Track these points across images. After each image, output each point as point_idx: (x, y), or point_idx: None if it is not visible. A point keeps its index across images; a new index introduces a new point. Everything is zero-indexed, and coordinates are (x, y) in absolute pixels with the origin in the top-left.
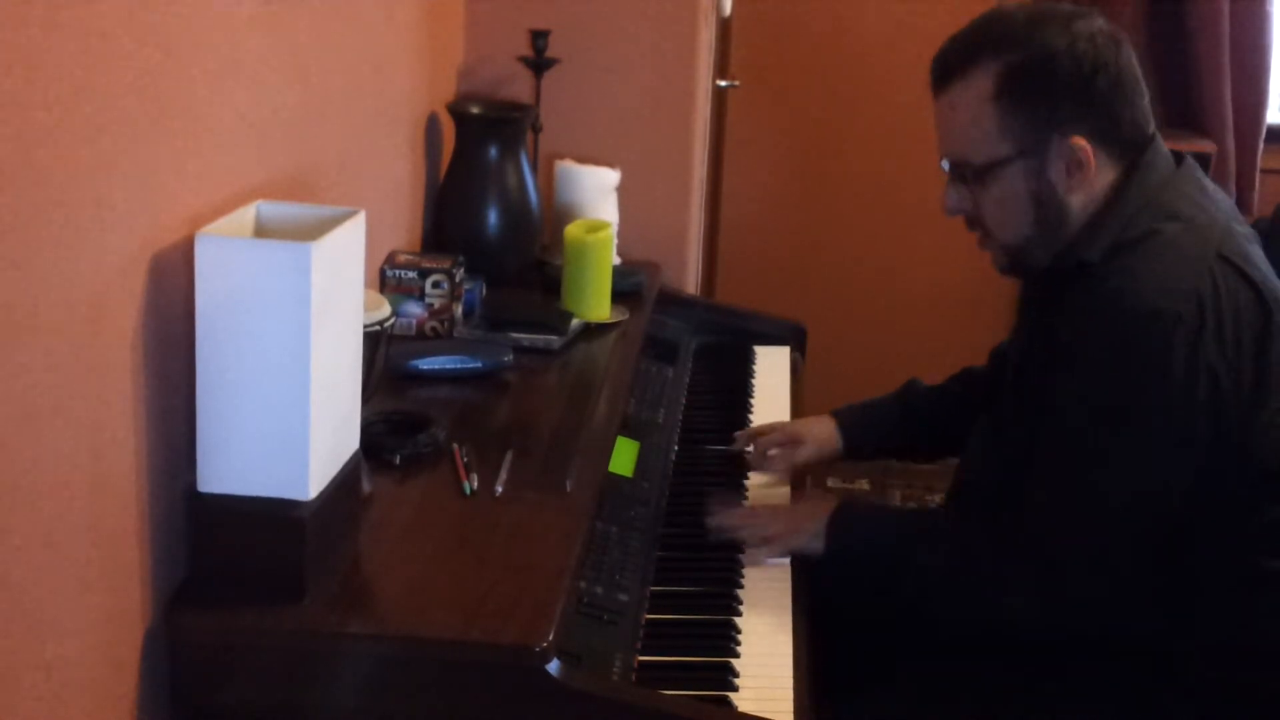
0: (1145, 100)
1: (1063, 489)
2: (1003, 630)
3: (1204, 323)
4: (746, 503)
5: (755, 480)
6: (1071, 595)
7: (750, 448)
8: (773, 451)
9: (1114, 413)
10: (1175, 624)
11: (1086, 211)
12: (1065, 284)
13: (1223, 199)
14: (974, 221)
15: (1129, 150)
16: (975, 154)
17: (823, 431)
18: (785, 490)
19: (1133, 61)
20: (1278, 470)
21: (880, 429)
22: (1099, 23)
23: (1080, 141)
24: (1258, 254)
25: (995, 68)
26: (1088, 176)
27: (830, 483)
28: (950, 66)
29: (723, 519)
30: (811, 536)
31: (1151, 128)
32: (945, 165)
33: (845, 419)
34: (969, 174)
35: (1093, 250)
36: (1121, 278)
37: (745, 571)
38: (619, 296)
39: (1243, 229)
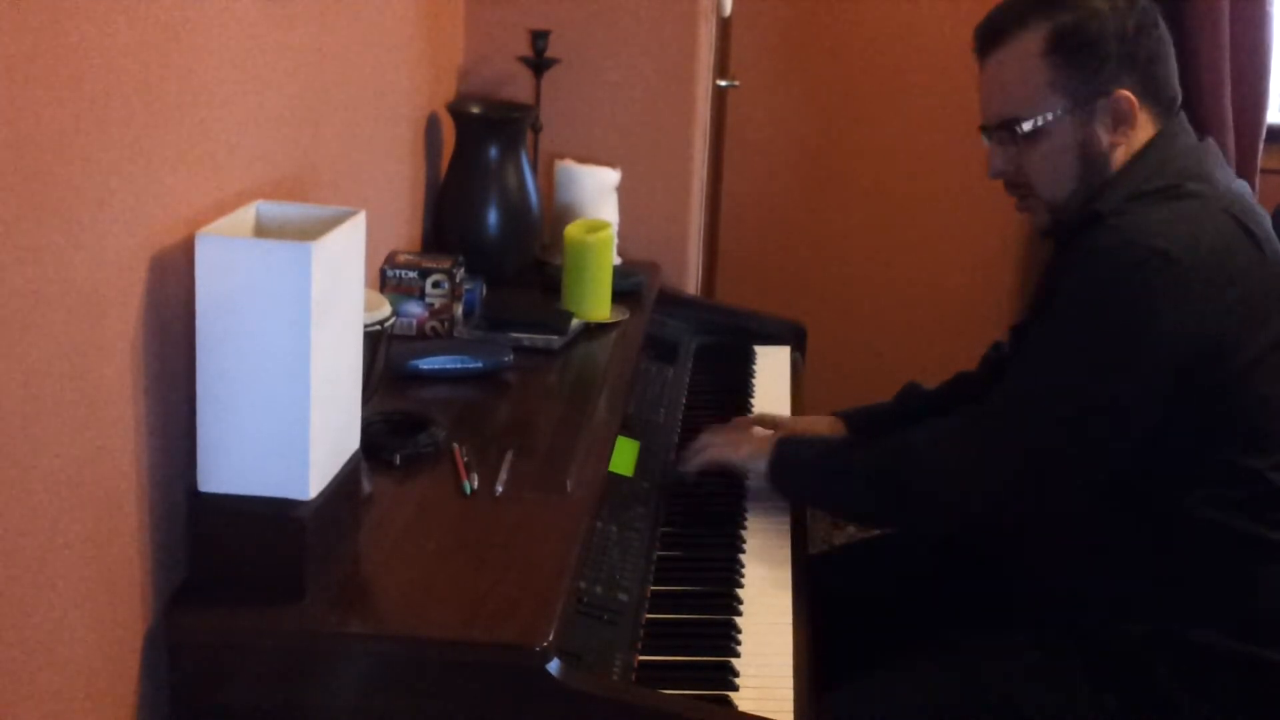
0: (1174, 61)
1: (1026, 386)
2: (925, 527)
3: (1195, 266)
4: (747, 502)
5: (755, 481)
6: (998, 482)
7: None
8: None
9: (1091, 330)
10: (1169, 592)
11: (1119, 167)
12: (1078, 233)
13: (1239, 179)
14: (1016, 184)
15: (1164, 110)
16: (1025, 110)
17: (825, 426)
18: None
19: (1162, 26)
20: (1269, 436)
21: (884, 428)
22: None
23: (1126, 93)
24: (1266, 219)
25: (1045, 27)
26: (1131, 129)
27: None
28: (998, 29)
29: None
30: (750, 455)
31: (1179, 90)
32: (985, 135)
33: (854, 424)
34: (1018, 131)
35: (1109, 203)
36: (1125, 220)
37: (745, 571)
38: (619, 296)
39: (1258, 206)
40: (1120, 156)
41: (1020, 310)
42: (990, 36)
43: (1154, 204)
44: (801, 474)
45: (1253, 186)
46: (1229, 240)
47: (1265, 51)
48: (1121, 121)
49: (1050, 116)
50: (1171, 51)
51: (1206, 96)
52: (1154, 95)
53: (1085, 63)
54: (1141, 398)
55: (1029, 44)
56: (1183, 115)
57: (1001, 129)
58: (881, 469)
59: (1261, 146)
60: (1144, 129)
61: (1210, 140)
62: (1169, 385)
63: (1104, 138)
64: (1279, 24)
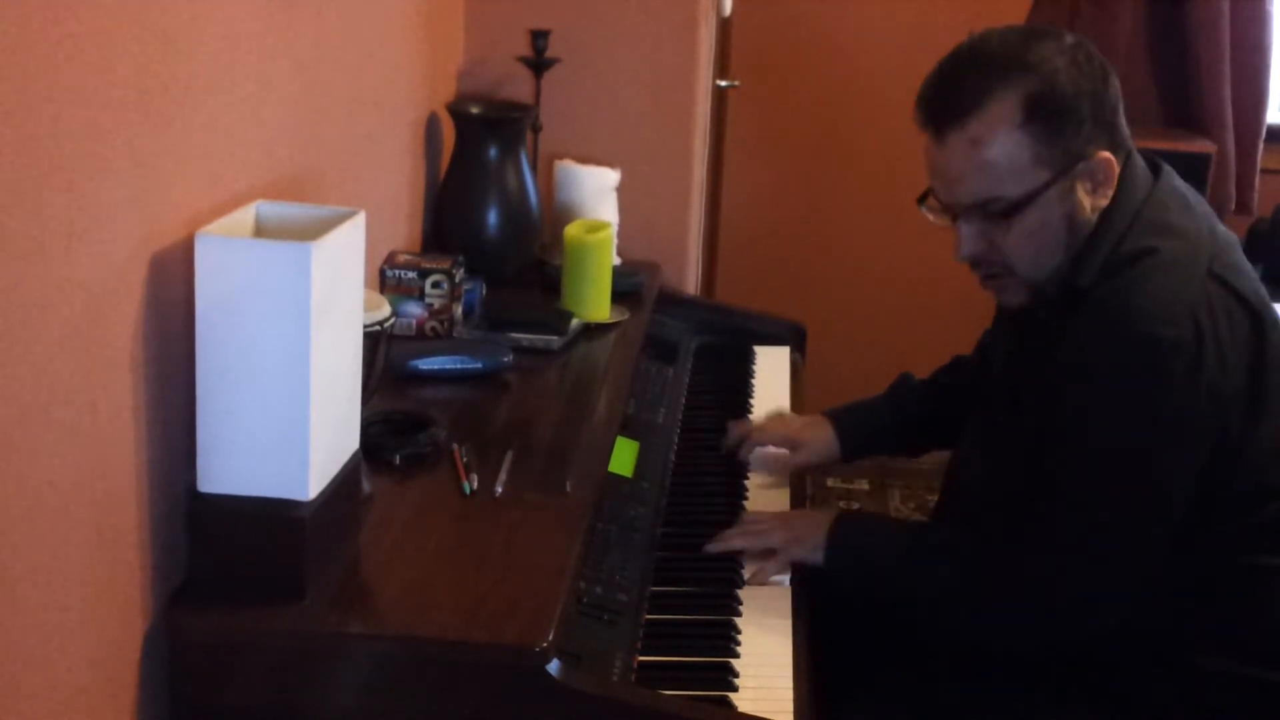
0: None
1: (1077, 512)
2: (1003, 646)
3: (1202, 345)
4: (746, 503)
5: (755, 481)
6: (1069, 621)
7: (746, 450)
8: (771, 450)
9: (1119, 437)
10: (1178, 621)
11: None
12: (1062, 310)
13: (1201, 206)
14: (989, 261)
15: (1126, 159)
16: (1011, 187)
17: (821, 436)
18: (785, 491)
19: (1112, 71)
20: (1271, 479)
21: (876, 430)
22: (1073, 36)
23: (1106, 155)
24: (1242, 260)
25: (1014, 95)
26: (1109, 187)
27: (830, 482)
28: (959, 102)
29: (724, 538)
30: (811, 549)
31: (1128, 137)
32: (944, 214)
33: (842, 423)
34: (1000, 210)
35: (1087, 275)
36: (1118, 300)
37: (745, 571)
38: (619, 296)
39: (1224, 234)
40: (1100, 211)
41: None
42: (950, 110)
43: (1136, 275)
44: (863, 574)
45: (1253, 186)
46: (1221, 312)
47: (1265, 51)
48: (1102, 183)
49: (1036, 190)
50: (1119, 97)
51: (1206, 96)
52: (1121, 147)
53: (1063, 128)
54: (1182, 488)
55: (1003, 114)
56: (1135, 153)
57: (977, 209)
58: (957, 596)
59: (1261, 146)
60: (1114, 184)
61: (1165, 169)
62: (1200, 461)
63: (1086, 203)
64: (1279, 24)
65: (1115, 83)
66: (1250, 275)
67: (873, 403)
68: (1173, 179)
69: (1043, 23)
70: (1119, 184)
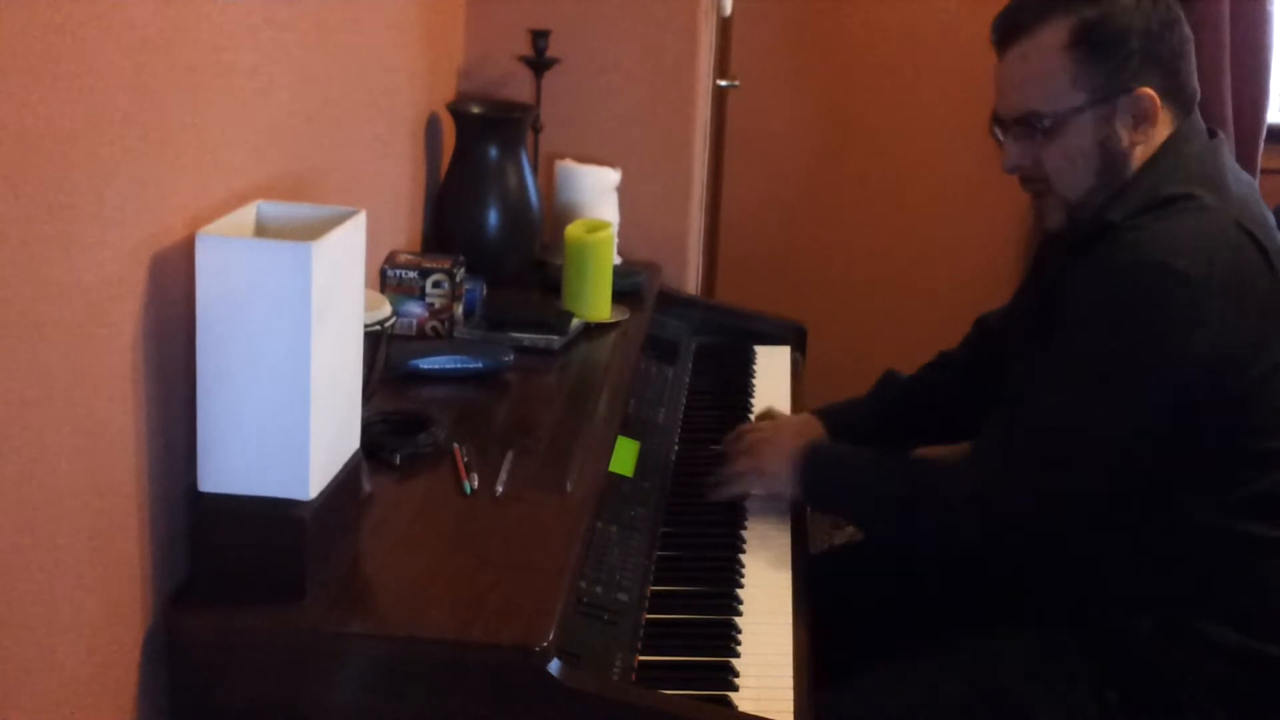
0: (1193, 58)
1: (1038, 416)
2: (944, 544)
3: (1210, 284)
4: (746, 502)
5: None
6: (1011, 516)
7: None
8: None
9: (1103, 357)
10: (1180, 588)
11: (1137, 164)
12: (1087, 243)
13: (1243, 173)
14: (1033, 179)
15: (1183, 109)
16: (1047, 103)
17: (809, 434)
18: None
19: (1184, 23)
20: (1271, 436)
21: (864, 428)
22: None
23: (1149, 92)
24: (1272, 223)
25: (1069, 21)
26: (1153, 128)
27: None
28: (1019, 21)
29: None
30: (781, 484)
31: (1197, 88)
32: (996, 128)
33: (830, 421)
34: (1038, 124)
35: (1120, 211)
36: (1137, 234)
37: (745, 571)
38: (619, 296)
39: (1262, 205)
40: (1139, 155)
41: (1015, 297)
42: (1010, 28)
43: (1166, 216)
44: (829, 492)
45: None
46: (1242, 257)
47: (1265, 51)
48: (1143, 120)
49: (1071, 111)
50: (1192, 49)
51: (1206, 96)
52: (1175, 94)
53: (1108, 58)
54: (1157, 423)
55: (1052, 37)
56: (1196, 113)
57: (1020, 123)
58: (902, 499)
59: (1261, 146)
60: (1163, 128)
61: (1221, 138)
62: (1182, 404)
63: (1124, 136)
64: (1279, 24)
65: (1183, 33)
66: (1275, 232)
67: (858, 402)
68: (1224, 144)
69: None
70: (1174, 135)
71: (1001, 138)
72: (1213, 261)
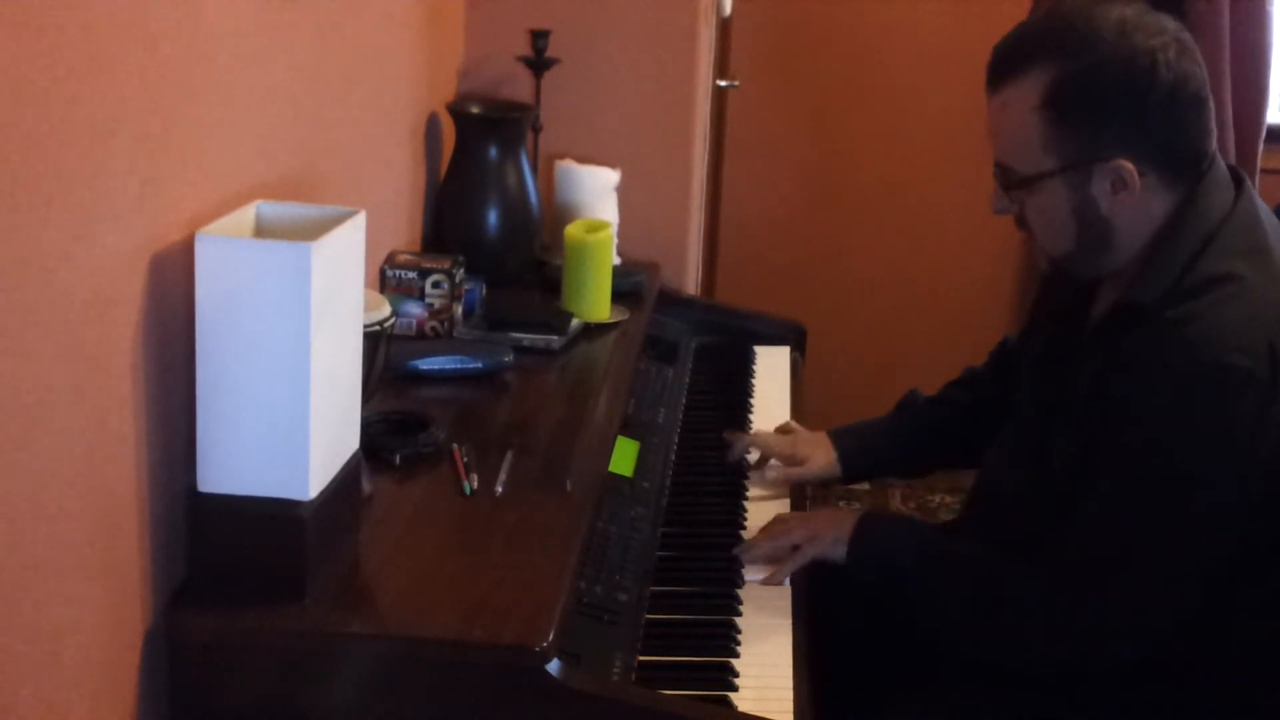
0: (1206, 116)
1: (1112, 538)
2: (1014, 666)
3: (1277, 379)
4: (746, 502)
5: (755, 491)
6: (1093, 639)
7: (749, 455)
8: (772, 464)
9: (1173, 472)
10: (1200, 653)
11: (1140, 238)
12: (1123, 324)
13: (1272, 216)
14: (1019, 224)
15: (1185, 171)
16: (1019, 162)
17: (822, 457)
18: (785, 502)
19: (1197, 73)
20: None
21: (881, 452)
22: (1165, 30)
23: (1125, 163)
24: None
25: (1046, 76)
26: (1133, 199)
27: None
28: (1005, 66)
29: (751, 544)
30: (833, 544)
31: (1212, 145)
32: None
33: (844, 446)
34: (1014, 181)
35: (1150, 292)
36: (1191, 323)
37: (745, 572)
38: (619, 296)
39: None
40: (1126, 223)
41: (1023, 320)
42: (996, 72)
43: (1212, 301)
44: (885, 573)
45: (1253, 186)
46: None
47: (1265, 51)
48: (1121, 189)
49: (1041, 175)
50: (1200, 102)
51: None
52: (1168, 159)
53: (1081, 124)
54: (1229, 529)
55: (1028, 92)
56: (1217, 163)
57: (1000, 171)
58: (973, 609)
59: (1261, 146)
60: (1159, 196)
61: (1247, 185)
62: (1250, 504)
63: (1102, 203)
64: (1279, 24)
65: (1189, 92)
66: None
67: (877, 425)
68: (1253, 196)
69: (1147, 7)
70: (1194, 197)
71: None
72: (1275, 349)
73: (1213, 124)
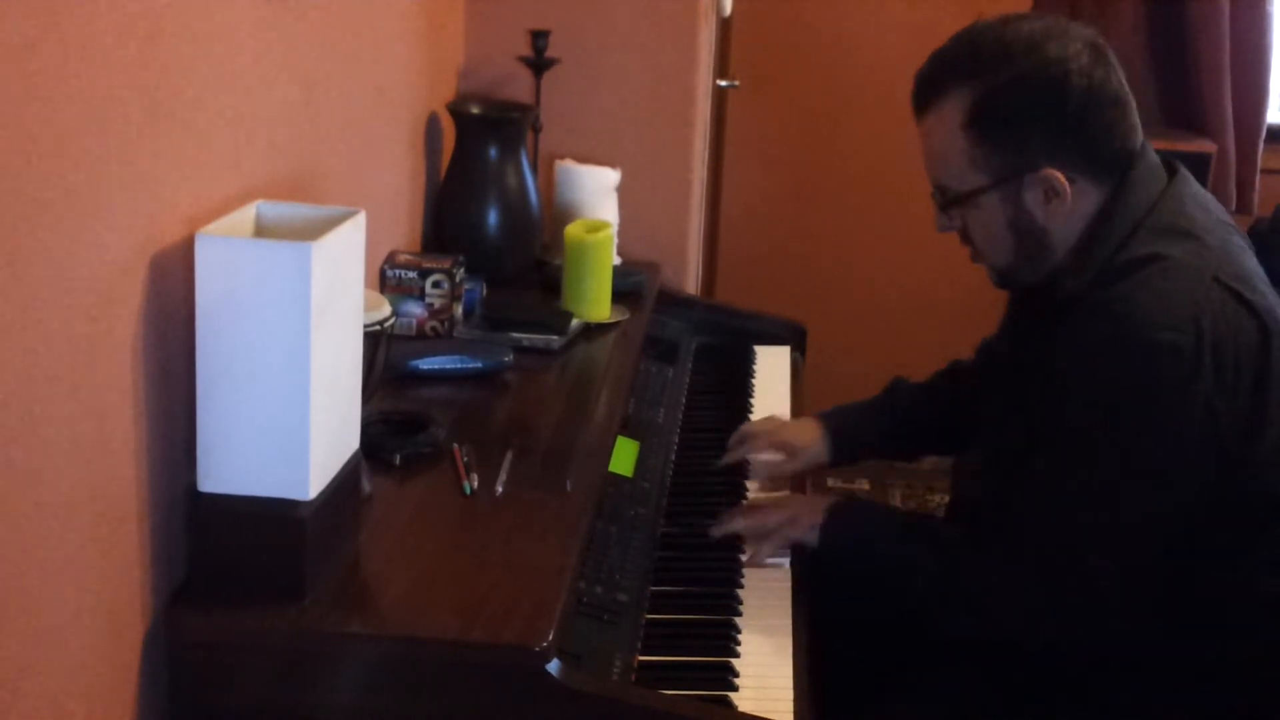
0: (1128, 114)
1: (1058, 515)
2: (983, 643)
3: (1201, 354)
4: (746, 503)
5: (754, 491)
6: (1063, 614)
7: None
8: (764, 457)
9: (1108, 447)
10: (1178, 641)
11: (1073, 237)
12: (1059, 311)
13: (1216, 210)
14: (963, 241)
15: (1112, 170)
16: (953, 181)
17: (810, 439)
18: (784, 492)
19: (1113, 76)
20: (1275, 500)
21: (867, 433)
22: (1075, 38)
23: (1053, 172)
24: (1254, 268)
25: (966, 96)
26: (1065, 205)
27: (830, 482)
28: (925, 92)
29: (724, 522)
30: (808, 529)
31: (1137, 141)
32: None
33: (832, 426)
34: (950, 199)
35: (1080, 278)
36: (1117, 307)
37: (745, 571)
38: (619, 296)
39: (1238, 240)
40: (1060, 228)
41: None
42: (918, 99)
43: (1138, 280)
44: (858, 555)
45: (1253, 186)
46: (1226, 315)
47: (1265, 51)
48: (1054, 197)
49: (975, 191)
50: (1121, 101)
51: (1206, 96)
52: (1091, 162)
53: (1005, 139)
54: (1172, 499)
55: (951, 113)
56: (1147, 153)
57: (937, 192)
58: (939, 585)
59: (1261, 146)
60: (1088, 197)
61: (1181, 172)
62: (1193, 473)
63: (1037, 213)
64: (1279, 24)
65: (1100, 96)
66: (1262, 284)
67: (863, 406)
68: (1186, 183)
69: (1057, 19)
70: (1121, 191)
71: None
72: (1200, 329)
73: (1136, 120)
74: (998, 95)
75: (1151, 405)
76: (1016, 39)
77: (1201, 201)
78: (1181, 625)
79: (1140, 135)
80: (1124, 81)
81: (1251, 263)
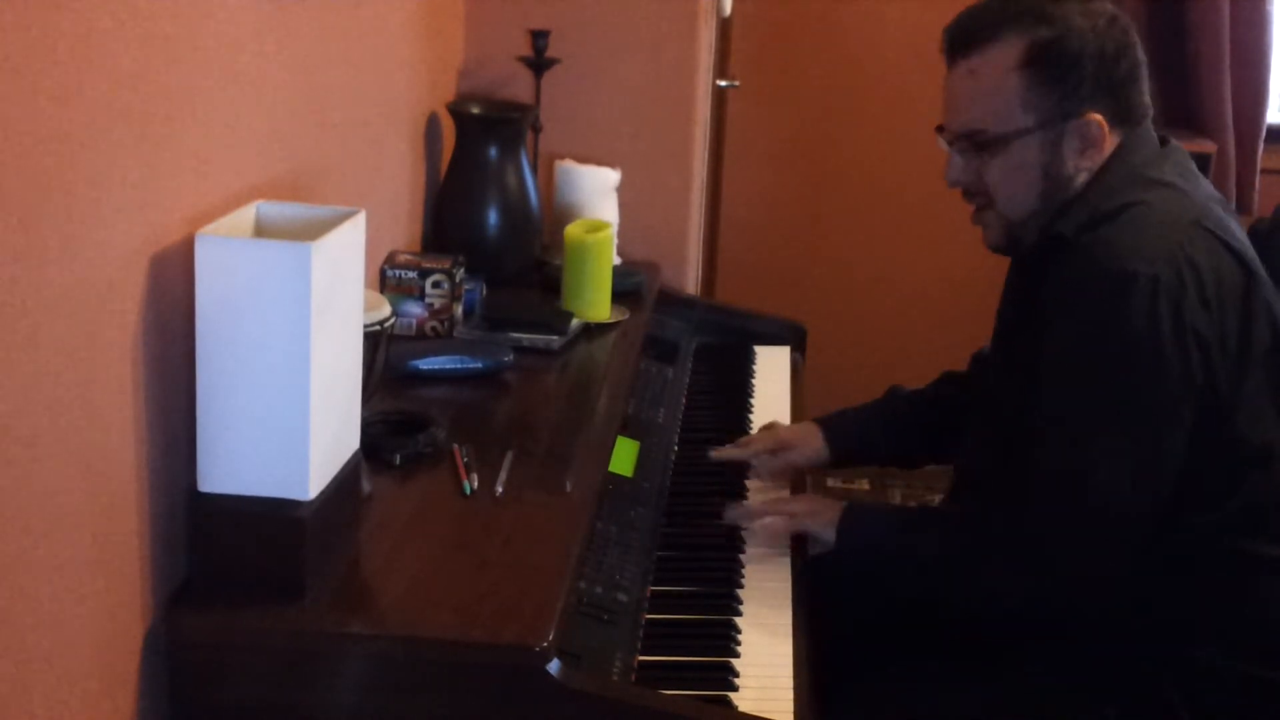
0: (1146, 78)
1: (1058, 469)
2: (995, 610)
3: (1184, 284)
4: (747, 502)
5: (755, 483)
6: (1065, 573)
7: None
8: (762, 457)
9: (1104, 387)
10: (1165, 608)
11: (1082, 184)
12: (1045, 259)
13: (1204, 180)
14: (975, 193)
15: (1134, 124)
16: (994, 122)
17: (810, 441)
18: (785, 491)
19: (1137, 41)
20: (1258, 447)
21: (866, 439)
22: (1110, 7)
23: (1098, 118)
24: (1237, 227)
25: (1022, 41)
26: (1098, 153)
27: (830, 482)
28: (972, 35)
29: (742, 508)
30: (826, 524)
31: (1149, 106)
32: (944, 139)
33: (832, 429)
34: (983, 142)
35: (1070, 224)
36: (1099, 247)
37: (745, 571)
38: (619, 296)
39: (1224, 211)
40: (1084, 173)
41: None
42: (962, 41)
43: (1120, 222)
44: (870, 550)
45: (1253, 186)
46: (1206, 251)
47: (1265, 51)
48: (1090, 145)
49: (1017, 132)
50: (1144, 72)
51: (1206, 96)
52: (1124, 117)
53: (1061, 82)
54: (1177, 429)
55: (1005, 55)
56: (1147, 124)
57: (966, 138)
58: (953, 564)
59: (1261, 146)
60: (1110, 144)
61: (1174, 146)
62: (1194, 406)
63: (1070, 160)
64: (1279, 24)
65: (1136, 56)
66: (1243, 237)
67: (862, 410)
68: (1178, 152)
69: (1150, 7)
70: (1119, 148)
71: (947, 149)
72: (1180, 263)
73: (1147, 84)
74: (1058, 42)
75: (1138, 338)
76: None
77: (1188, 167)
78: (1152, 579)
79: (1148, 105)
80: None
81: (1234, 223)
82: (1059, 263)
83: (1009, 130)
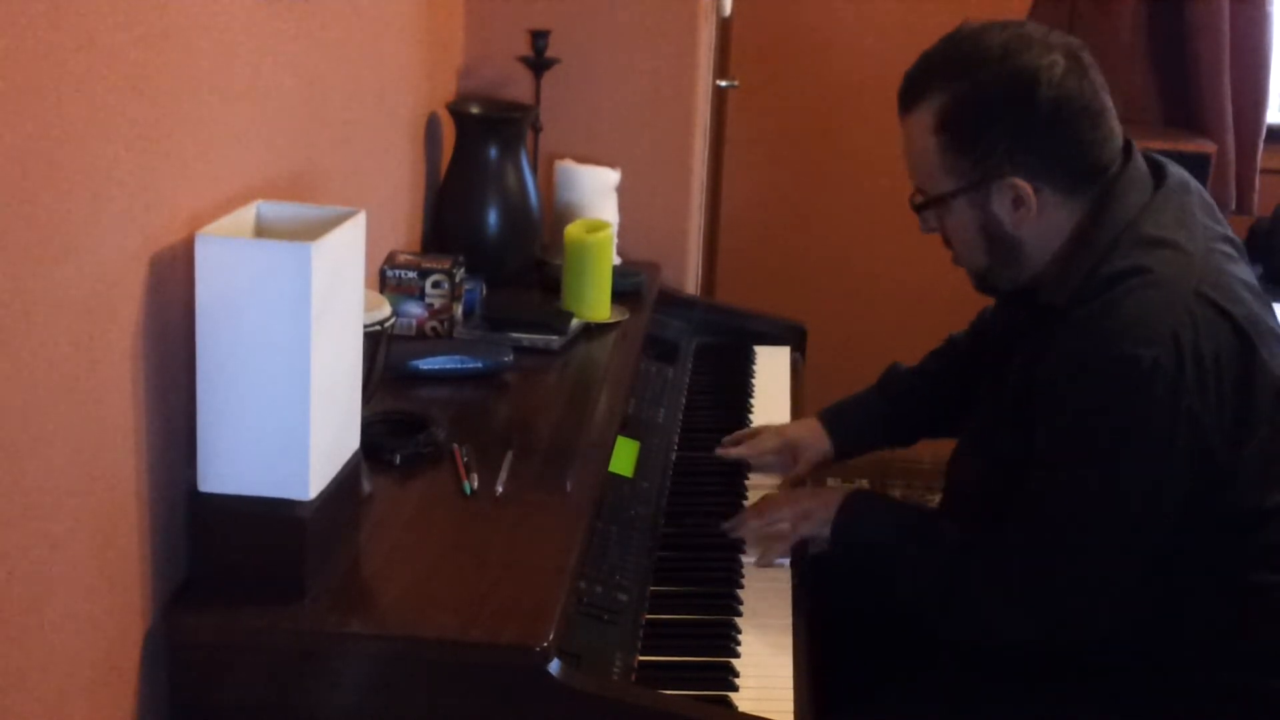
0: (1102, 125)
1: (1054, 515)
2: (985, 644)
3: (1183, 367)
4: (746, 503)
5: (755, 482)
6: (1054, 616)
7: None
8: (770, 460)
9: (1098, 454)
10: (1167, 635)
11: (1048, 248)
12: (1043, 321)
13: (1204, 216)
14: (945, 242)
15: (1085, 182)
16: (927, 184)
17: (813, 438)
18: (776, 489)
19: (1087, 87)
20: (1261, 499)
21: (867, 426)
22: (1053, 47)
23: (1018, 181)
24: (1238, 274)
25: (938, 101)
26: (1033, 214)
27: (830, 481)
28: (904, 92)
29: (735, 524)
30: (820, 524)
31: (1114, 153)
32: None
33: (833, 423)
34: (924, 202)
35: (1060, 292)
36: (1097, 321)
37: (745, 571)
38: (619, 296)
39: (1223, 247)
40: (1032, 237)
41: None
42: (901, 98)
43: (1118, 294)
44: (865, 552)
45: (1253, 187)
46: (1208, 330)
47: (1265, 51)
48: (1021, 205)
49: (945, 195)
50: (1097, 113)
51: (1206, 96)
52: (1063, 174)
53: (972, 146)
54: (1162, 508)
55: (924, 118)
56: (1133, 163)
57: (916, 194)
58: (942, 591)
59: (1261, 146)
60: (1061, 208)
61: (1169, 182)
62: (1180, 482)
63: (1005, 220)
64: (1279, 24)
65: (1080, 106)
66: (1245, 294)
67: (861, 398)
68: (1174, 194)
69: (1039, 26)
70: (1104, 197)
71: None
72: (1179, 343)
73: (1112, 131)
74: (965, 101)
75: (1138, 422)
76: (991, 46)
77: (1187, 209)
78: (1157, 620)
79: (1119, 145)
80: (1102, 92)
81: (1235, 269)
82: (1059, 333)
83: (939, 193)
